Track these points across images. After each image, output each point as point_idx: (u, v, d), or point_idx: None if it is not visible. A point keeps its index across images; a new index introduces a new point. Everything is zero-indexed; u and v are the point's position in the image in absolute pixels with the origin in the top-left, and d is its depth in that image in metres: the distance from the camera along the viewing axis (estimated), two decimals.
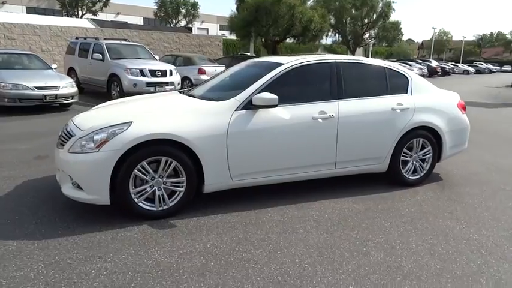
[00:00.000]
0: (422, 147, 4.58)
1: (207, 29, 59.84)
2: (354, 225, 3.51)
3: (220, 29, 63.67)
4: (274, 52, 20.61)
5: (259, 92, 3.73)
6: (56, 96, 9.15)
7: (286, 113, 3.80)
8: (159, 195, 3.46)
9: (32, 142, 6.21)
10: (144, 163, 3.34)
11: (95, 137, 3.28)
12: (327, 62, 4.20)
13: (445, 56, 77.08)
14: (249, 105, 3.69)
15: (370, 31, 26.81)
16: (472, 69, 48.04)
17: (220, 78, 4.79)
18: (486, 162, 5.72)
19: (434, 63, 37.67)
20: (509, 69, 63.03)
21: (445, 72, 38.51)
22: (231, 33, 20.47)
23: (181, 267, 2.75)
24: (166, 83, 11.28)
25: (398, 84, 4.52)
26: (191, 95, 4.26)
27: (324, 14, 19.73)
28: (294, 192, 4.17)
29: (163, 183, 3.46)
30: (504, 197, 4.35)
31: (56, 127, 7.36)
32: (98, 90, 11.93)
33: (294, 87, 3.95)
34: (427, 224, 3.58)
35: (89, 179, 3.28)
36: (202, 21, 55.05)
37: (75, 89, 9.73)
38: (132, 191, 3.36)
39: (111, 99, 10.90)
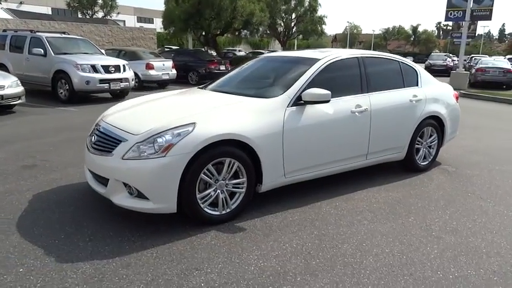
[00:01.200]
0: (430, 135, 4.96)
1: (124, 20, 56.87)
2: (406, 213, 3.71)
3: (138, 21, 60.90)
4: (215, 46, 20.39)
5: (305, 88, 3.73)
6: (2, 97, 8.08)
7: (330, 107, 3.86)
8: (222, 198, 3.31)
9: None
10: (210, 166, 3.18)
11: (159, 140, 3.03)
12: (355, 57, 4.33)
13: (356, 48, 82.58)
14: (297, 102, 3.68)
15: (299, 24, 27.73)
16: None
17: (242, 74, 4.69)
18: (463, 145, 6.34)
19: None
20: (411, 59, 69.97)
21: None
22: (168, 28, 19.61)
23: (287, 269, 2.69)
24: (121, 80, 10.56)
25: (410, 77, 4.83)
26: (225, 92, 4.11)
27: (263, 8, 19.94)
28: (324, 185, 4.24)
29: (225, 185, 3.32)
30: (501, 175, 4.91)
31: (12, 132, 6.56)
32: (39, 89, 10.76)
33: (331, 82, 4.02)
34: (463, 205, 3.92)
35: (156, 187, 3.03)
36: (118, 13, 52.11)
37: (21, 88, 8.67)
38: (198, 196, 3.17)
39: (59, 98, 9.99)
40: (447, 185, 4.49)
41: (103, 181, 3.31)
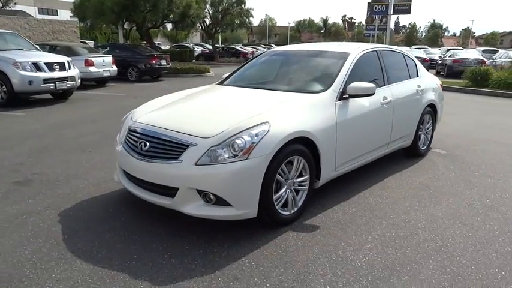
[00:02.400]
0: (428, 122, 5.36)
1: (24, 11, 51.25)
2: (442, 195, 3.98)
3: (40, 13, 55.33)
4: (149, 40, 19.27)
5: (347, 82, 3.78)
6: None
7: (366, 100, 3.97)
8: (291, 198, 3.25)
9: None
10: (283, 165, 3.09)
11: (238, 142, 2.85)
12: (374, 50, 4.49)
13: (272, 40, 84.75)
14: (342, 96, 3.72)
15: (226, 17, 27.55)
16: None
17: (266, 69, 4.59)
18: (436, 131, 6.92)
19: (275, 47, 41.46)
20: None
21: None
22: (86, 21, 17.97)
23: (390, 261, 2.74)
24: (66, 78, 9.60)
25: (413, 69, 5.15)
26: (262, 88, 4.00)
27: (198, 0, 19.38)
28: (350, 177, 4.37)
29: (292, 184, 3.26)
30: (486, 154, 5.49)
31: None
32: None
33: (361, 75, 4.11)
34: (480, 183, 4.32)
35: (240, 192, 2.86)
36: (15, 3, 46.81)
37: None
38: (274, 197, 3.07)
39: None
40: (452, 167, 4.90)
41: (164, 191, 3.03)
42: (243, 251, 2.84)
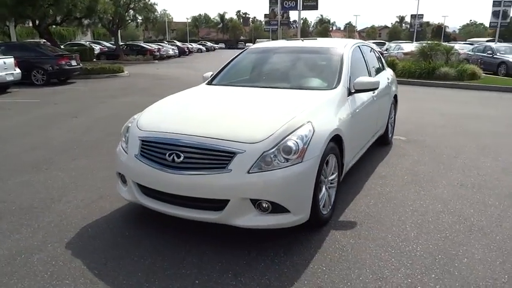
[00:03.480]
0: (392, 111, 5.76)
1: None
2: (433, 178, 4.33)
3: None
4: (50, 38, 16.97)
5: (350, 78, 3.86)
6: None
7: (363, 94, 4.10)
8: (326, 197, 3.22)
9: None
10: (324, 165, 3.05)
11: (290, 145, 2.71)
12: (357, 45, 4.64)
13: (169, 36, 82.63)
14: (349, 91, 3.79)
15: (130, 12, 25.97)
16: (203, 48, 54.13)
17: (261, 68, 4.47)
18: None
19: (180, 44, 40.58)
20: (224, 46, 74.52)
21: (189, 51, 42.18)
22: None
23: (457, 248, 2.90)
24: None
25: (380, 62, 5.46)
26: (266, 87, 3.87)
27: None
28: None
29: (327, 183, 3.24)
30: (440, 138, 6.11)
31: None
32: None
33: (353, 71, 4.21)
34: (453, 164, 4.80)
35: (298, 196, 2.75)
36: None
37: None
38: (318, 197, 3.02)
39: None
40: (422, 152, 5.35)
41: (209, 205, 2.77)
42: (304, 256, 2.74)
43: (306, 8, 19.93)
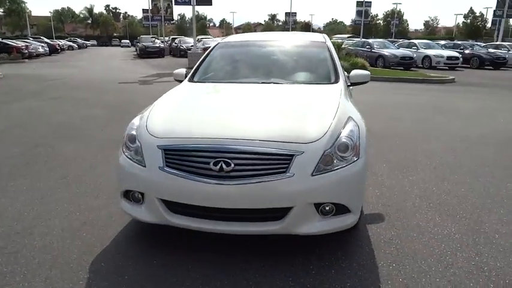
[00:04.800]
0: None
1: None
2: (417, 166, 4.64)
3: None
4: None
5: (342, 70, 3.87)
6: None
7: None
8: None
9: None
10: None
11: (346, 142, 2.56)
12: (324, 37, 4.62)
13: (30, 31, 73.23)
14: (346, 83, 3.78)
15: None
16: (75, 45, 49.39)
17: (248, 62, 4.15)
18: None
19: (49, 41, 36.49)
20: (96, 43, 68.91)
21: (61, 49, 38.07)
22: None
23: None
24: None
25: None
26: (267, 82, 3.62)
27: None
28: None
29: None
30: (389, 129, 6.59)
31: None
32: None
33: None
34: (416, 149, 5.23)
35: (358, 195, 2.64)
36: None
37: None
38: None
39: None
40: (382, 137, 5.69)
41: (266, 216, 2.48)
42: (365, 256, 2.65)
43: (199, 2, 19.55)
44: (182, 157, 2.50)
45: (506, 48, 22.87)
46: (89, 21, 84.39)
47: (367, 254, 2.69)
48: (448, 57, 19.50)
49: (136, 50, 34.96)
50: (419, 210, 3.37)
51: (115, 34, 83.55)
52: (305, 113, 2.82)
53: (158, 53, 29.34)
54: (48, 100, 9.28)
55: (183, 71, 4.06)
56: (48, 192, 3.72)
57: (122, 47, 60.60)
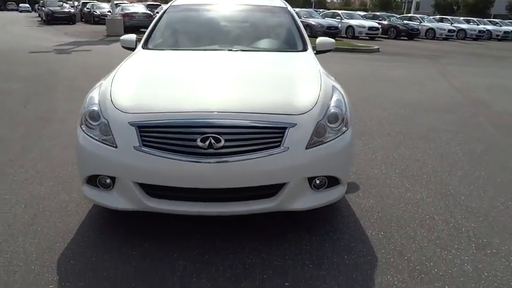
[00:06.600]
0: None
1: None
2: (408, 137, 4.74)
3: None
4: None
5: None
6: None
7: None
8: None
9: None
10: None
11: (336, 112, 2.43)
12: None
13: None
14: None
15: None
16: None
17: (209, 27, 3.78)
18: None
19: None
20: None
21: None
22: None
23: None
24: None
25: None
26: (234, 50, 3.34)
27: None
28: None
29: None
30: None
31: None
32: None
33: None
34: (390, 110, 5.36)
35: (348, 166, 2.61)
36: None
37: None
38: None
39: None
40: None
41: (259, 193, 2.31)
42: (352, 227, 2.63)
43: None
44: (163, 134, 2.21)
45: (418, 20, 24.62)
46: None
47: (354, 224, 2.67)
48: (369, 27, 20.46)
49: (40, 15, 31.33)
50: (389, 177, 3.44)
51: None
52: (290, 83, 2.65)
53: (68, 19, 26.58)
54: None
55: (132, 37, 3.61)
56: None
57: (20, 11, 52.93)
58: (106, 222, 2.61)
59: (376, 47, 14.88)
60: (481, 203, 3.01)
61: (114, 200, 2.34)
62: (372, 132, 4.69)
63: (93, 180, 2.36)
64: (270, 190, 2.30)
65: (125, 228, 2.53)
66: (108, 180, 2.32)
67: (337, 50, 13.98)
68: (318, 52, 3.67)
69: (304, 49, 3.45)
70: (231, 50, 3.33)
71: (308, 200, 2.39)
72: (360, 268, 2.21)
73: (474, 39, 25.15)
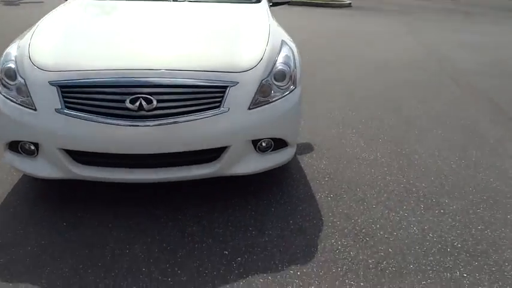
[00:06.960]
0: None
1: None
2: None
3: None
4: None
5: None
6: None
7: None
8: None
9: None
10: None
11: (283, 69, 2.26)
12: None
13: None
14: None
15: None
16: None
17: None
18: None
19: None
20: None
21: None
22: None
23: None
24: None
25: None
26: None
27: None
28: None
29: None
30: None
31: None
32: None
33: None
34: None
35: (296, 126, 2.47)
36: None
37: None
38: None
39: None
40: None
41: (198, 158, 2.17)
42: (303, 190, 2.54)
43: None
44: (87, 95, 1.99)
45: None
46: None
47: (303, 186, 2.58)
48: None
49: None
50: (344, 136, 3.34)
51: None
52: (234, 38, 2.43)
53: None
54: None
55: None
56: None
57: None
58: (32, 192, 2.41)
59: (348, 1, 14.44)
60: (434, 163, 2.97)
61: (40, 168, 2.14)
62: (334, 91, 4.55)
63: (15, 146, 2.14)
64: (211, 154, 2.15)
65: (54, 199, 2.34)
66: (31, 147, 2.11)
67: (308, 4, 13.64)
68: (274, 4, 3.43)
69: (258, 0, 3.19)
70: (176, 1, 3.04)
71: (253, 164, 2.26)
72: (304, 233, 2.14)
73: None
